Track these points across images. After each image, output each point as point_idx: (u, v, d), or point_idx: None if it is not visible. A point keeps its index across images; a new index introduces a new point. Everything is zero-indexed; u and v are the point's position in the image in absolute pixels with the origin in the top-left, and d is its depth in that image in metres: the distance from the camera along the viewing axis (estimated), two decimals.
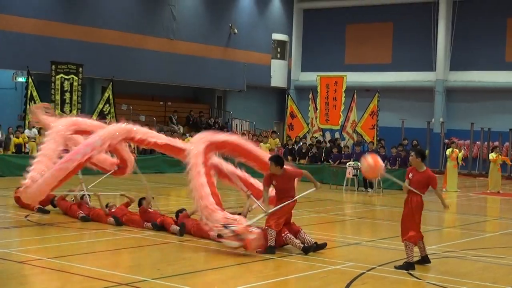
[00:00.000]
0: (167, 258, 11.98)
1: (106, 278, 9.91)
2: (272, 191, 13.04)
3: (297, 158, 30.23)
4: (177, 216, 14.78)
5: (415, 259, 11.33)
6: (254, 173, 14.75)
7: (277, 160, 12.77)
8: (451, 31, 38.87)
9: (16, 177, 22.69)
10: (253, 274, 10.77)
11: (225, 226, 11.75)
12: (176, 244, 13.13)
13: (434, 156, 35.29)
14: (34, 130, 27.64)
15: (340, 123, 31.37)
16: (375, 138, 29.82)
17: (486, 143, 36.10)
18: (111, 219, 14.99)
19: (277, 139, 32.72)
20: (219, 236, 11.94)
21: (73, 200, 16.36)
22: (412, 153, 12.06)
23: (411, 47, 39.89)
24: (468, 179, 32.99)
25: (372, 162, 11.43)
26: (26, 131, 27.62)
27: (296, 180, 12.83)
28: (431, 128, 37.44)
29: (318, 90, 31.88)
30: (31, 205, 16.11)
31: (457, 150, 28.02)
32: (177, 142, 15.69)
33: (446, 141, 34.04)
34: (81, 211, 15.60)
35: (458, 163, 27.80)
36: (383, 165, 11.82)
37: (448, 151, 28.03)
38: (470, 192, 27.46)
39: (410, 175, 11.52)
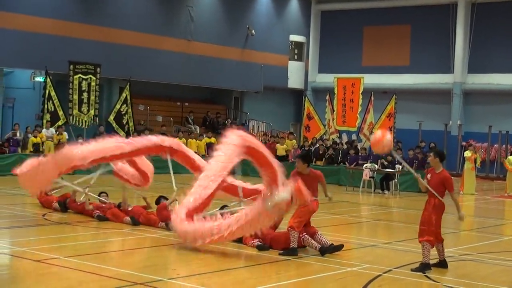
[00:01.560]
0: (183, 258, 11.97)
1: (122, 277, 9.92)
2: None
3: (314, 159, 30.15)
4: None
5: (433, 261, 11.26)
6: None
7: (304, 157, 12.74)
8: (469, 33, 38.71)
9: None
10: (269, 275, 10.74)
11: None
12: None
13: (451, 158, 35.11)
14: (52, 130, 27.79)
15: (357, 124, 31.32)
16: (393, 140, 29.67)
17: (504, 146, 35.88)
18: (128, 219, 15.01)
19: (294, 141, 32.69)
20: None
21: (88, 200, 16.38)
22: (431, 154, 11.97)
23: (429, 50, 39.76)
24: (486, 182, 32.80)
25: (380, 135, 11.38)
26: (44, 130, 27.75)
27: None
28: (449, 131, 37.27)
29: (335, 92, 31.86)
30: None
31: (474, 153, 27.90)
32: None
33: (464, 143, 33.90)
34: (97, 211, 15.63)
35: (475, 166, 27.66)
36: (390, 138, 11.56)
37: (465, 154, 27.91)
38: (488, 195, 27.29)
39: (429, 176, 11.46)
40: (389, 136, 11.47)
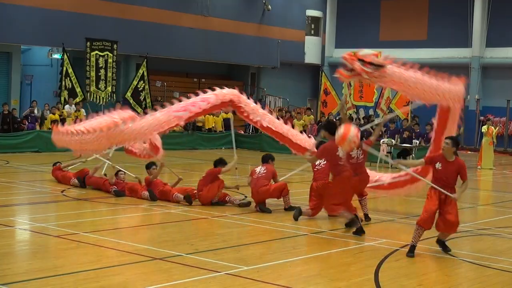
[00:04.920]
0: (200, 233, 12.04)
1: (140, 252, 10.00)
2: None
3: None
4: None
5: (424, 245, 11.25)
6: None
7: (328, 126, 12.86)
8: (488, 6, 38.35)
9: (52, 153, 23.08)
10: (286, 250, 10.77)
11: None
12: (210, 219, 13.20)
13: (470, 133, 35.03)
14: (73, 107, 27.88)
15: (374, 100, 31.25)
16: (409, 115, 29.62)
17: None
18: (146, 193, 15.07)
19: (311, 116, 32.66)
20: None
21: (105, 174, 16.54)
22: (448, 141, 10.72)
23: (447, 24, 39.44)
24: (504, 157, 32.64)
25: (342, 132, 11.43)
26: (66, 106, 27.84)
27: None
28: (467, 105, 36.97)
29: None
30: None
31: (492, 127, 27.75)
32: (286, 129, 15.94)
33: (482, 118, 33.74)
34: (114, 186, 15.72)
35: (493, 141, 27.53)
36: (355, 134, 11.46)
37: (483, 128, 27.79)
38: (506, 170, 27.19)
39: (439, 165, 10.61)
40: (353, 132, 11.41)
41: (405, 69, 12.14)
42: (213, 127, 31.63)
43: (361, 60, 11.07)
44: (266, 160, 14.87)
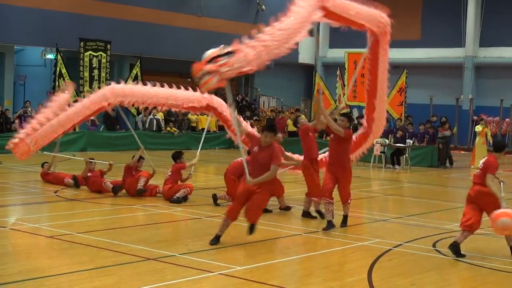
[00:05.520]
0: (194, 233, 12.05)
1: (134, 253, 10.00)
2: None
3: (324, 134, 30.13)
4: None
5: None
6: None
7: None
8: (481, 6, 38.48)
9: (44, 154, 23.02)
10: (279, 250, 10.82)
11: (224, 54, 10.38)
12: (203, 219, 13.23)
13: (462, 133, 35.11)
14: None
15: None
16: (403, 115, 29.70)
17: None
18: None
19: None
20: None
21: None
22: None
23: (441, 23, 39.54)
24: None
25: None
26: None
27: None
28: (460, 105, 37.18)
29: (346, 67, 31.78)
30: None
31: (486, 128, 27.84)
32: None
33: (475, 118, 33.81)
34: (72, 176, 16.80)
35: (487, 140, 27.60)
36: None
37: (477, 128, 27.86)
38: (499, 169, 27.17)
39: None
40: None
41: (267, 34, 11.64)
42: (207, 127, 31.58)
43: (209, 61, 10.38)
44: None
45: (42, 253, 10.04)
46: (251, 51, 10.57)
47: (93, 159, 17.27)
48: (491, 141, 28.42)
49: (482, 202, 10.86)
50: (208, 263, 9.59)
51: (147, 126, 29.96)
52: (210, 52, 10.28)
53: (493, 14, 38.08)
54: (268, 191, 10.97)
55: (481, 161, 11.52)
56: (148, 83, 16.66)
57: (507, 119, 36.36)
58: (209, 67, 10.13)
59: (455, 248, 10.61)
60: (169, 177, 15.54)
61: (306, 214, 13.57)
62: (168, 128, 30.56)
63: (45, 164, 17.92)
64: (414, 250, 11.02)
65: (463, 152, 33.76)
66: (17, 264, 9.40)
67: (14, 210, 14.14)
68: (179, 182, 15.54)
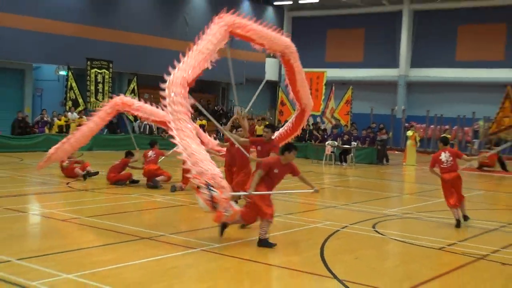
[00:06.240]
0: (181, 217, 12.06)
1: (132, 233, 9.99)
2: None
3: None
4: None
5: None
6: None
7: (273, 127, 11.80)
8: (412, 35, 38.89)
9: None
10: (251, 231, 10.72)
11: (208, 186, 9.01)
12: (189, 206, 13.21)
13: (397, 136, 35.43)
14: (75, 114, 27.69)
15: (321, 110, 31.40)
16: (349, 122, 29.89)
17: (438, 126, 36.23)
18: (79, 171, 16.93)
19: (267, 123, 32.67)
20: (198, 188, 9.12)
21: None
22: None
23: (379, 49, 39.91)
24: (424, 156, 33.05)
25: None
26: (69, 113, 27.65)
27: None
28: (395, 115, 37.52)
29: None
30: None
31: (415, 133, 28.13)
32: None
33: (406, 125, 34.13)
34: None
35: (416, 143, 27.89)
36: None
37: (408, 133, 28.15)
38: (425, 166, 27.46)
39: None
40: None
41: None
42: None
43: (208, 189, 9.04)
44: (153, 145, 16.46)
45: (57, 233, 9.99)
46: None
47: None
48: (418, 143, 28.73)
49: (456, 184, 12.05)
50: (192, 241, 9.59)
51: (141, 130, 29.93)
52: (202, 204, 9.12)
53: (421, 42, 38.52)
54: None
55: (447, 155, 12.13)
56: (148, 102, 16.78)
57: (431, 126, 36.79)
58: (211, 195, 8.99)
59: (459, 222, 11.81)
60: (152, 159, 16.06)
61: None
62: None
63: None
64: (357, 231, 11.11)
65: (396, 152, 34.06)
66: (36, 243, 9.36)
67: (32, 198, 14.03)
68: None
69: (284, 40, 13.76)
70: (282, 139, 14.88)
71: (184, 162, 9.49)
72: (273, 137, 11.52)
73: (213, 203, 8.96)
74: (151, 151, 16.31)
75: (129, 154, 16.65)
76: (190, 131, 9.87)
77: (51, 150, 16.60)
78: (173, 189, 15.14)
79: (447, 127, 34.92)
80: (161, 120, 15.43)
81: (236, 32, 12.47)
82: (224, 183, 9.30)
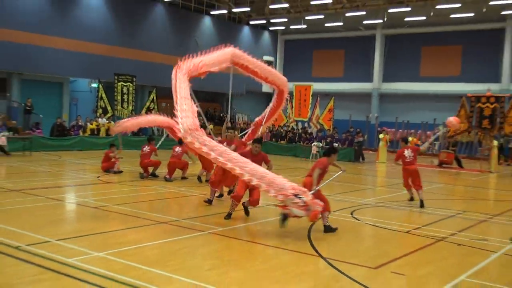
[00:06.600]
0: (192, 205, 12.02)
1: (151, 218, 9.97)
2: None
3: (279, 139, 30.28)
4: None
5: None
6: None
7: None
8: (383, 55, 38.88)
9: (91, 151, 22.89)
10: (251, 217, 10.73)
11: (297, 196, 8.78)
12: (198, 196, 13.18)
13: (371, 139, 35.42)
14: (104, 119, 27.63)
15: (308, 116, 31.39)
16: (331, 127, 29.89)
17: (406, 131, 36.17)
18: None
19: (265, 128, 32.65)
20: (284, 202, 8.88)
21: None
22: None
23: (356, 66, 39.91)
24: (393, 155, 32.96)
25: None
26: (100, 119, 27.60)
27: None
28: (369, 121, 37.49)
29: (294, 94, 31.87)
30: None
31: (386, 135, 28.14)
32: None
33: (379, 129, 34.13)
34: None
35: (387, 144, 27.88)
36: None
37: (380, 136, 28.15)
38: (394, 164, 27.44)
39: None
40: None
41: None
42: None
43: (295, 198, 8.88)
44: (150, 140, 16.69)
45: (89, 218, 9.97)
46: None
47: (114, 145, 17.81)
48: (389, 144, 28.71)
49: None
50: (201, 225, 9.58)
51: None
52: (295, 213, 8.89)
53: (391, 60, 38.52)
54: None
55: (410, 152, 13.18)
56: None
57: (400, 130, 36.78)
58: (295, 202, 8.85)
59: (412, 198, 13.22)
60: (147, 153, 16.22)
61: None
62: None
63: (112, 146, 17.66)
64: (338, 217, 11.09)
65: (371, 151, 34.02)
66: (71, 226, 9.33)
67: (68, 189, 13.99)
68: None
69: (284, 78, 13.96)
70: (270, 116, 14.82)
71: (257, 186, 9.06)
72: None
73: (307, 207, 8.78)
74: (146, 146, 16.26)
75: (112, 145, 17.34)
76: (241, 158, 9.33)
77: (125, 121, 16.29)
78: (141, 176, 15.79)
79: (412, 131, 34.85)
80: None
81: (239, 63, 12.34)
82: (301, 187, 9.13)
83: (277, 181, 8.90)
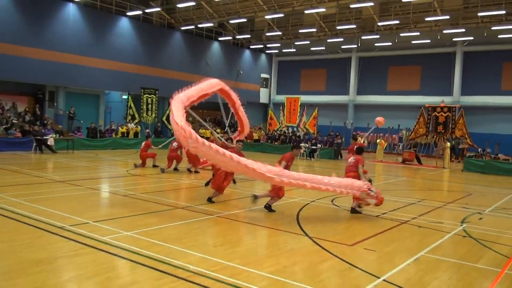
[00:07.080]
0: (202, 194, 11.92)
1: (168, 204, 9.92)
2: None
3: (273, 141, 30.21)
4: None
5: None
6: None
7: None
8: (358, 73, 38.81)
9: (122, 150, 22.81)
10: (246, 205, 10.64)
11: (370, 190, 9.38)
12: (208, 187, 13.06)
13: (347, 141, 35.34)
14: (132, 124, 27.57)
15: (296, 122, 31.35)
16: (315, 131, 29.84)
17: (375, 134, 36.12)
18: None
19: (262, 131, 32.69)
20: (358, 197, 9.47)
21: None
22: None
23: (336, 82, 39.82)
24: (389, 156, 33.03)
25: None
26: (129, 124, 27.54)
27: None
28: (346, 126, 37.45)
29: (285, 105, 31.83)
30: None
31: (382, 141, 28.09)
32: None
33: (354, 133, 34.03)
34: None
35: (383, 148, 27.74)
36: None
37: (355, 138, 28.02)
38: (368, 161, 27.37)
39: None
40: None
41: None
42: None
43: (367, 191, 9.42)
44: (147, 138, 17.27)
45: (119, 204, 9.91)
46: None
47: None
48: (386, 146, 28.57)
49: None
50: (210, 210, 9.53)
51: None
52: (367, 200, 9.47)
53: (364, 77, 38.43)
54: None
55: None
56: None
57: (371, 134, 36.72)
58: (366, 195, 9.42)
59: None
60: (143, 147, 16.88)
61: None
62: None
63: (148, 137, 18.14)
64: (321, 204, 11.04)
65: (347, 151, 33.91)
66: (106, 210, 9.27)
67: (103, 180, 13.92)
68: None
69: (247, 124, 14.30)
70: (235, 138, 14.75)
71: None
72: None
73: (377, 196, 9.42)
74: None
75: (147, 137, 18.00)
76: (313, 176, 9.09)
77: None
78: (136, 166, 16.11)
79: (381, 134, 34.80)
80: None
81: (224, 91, 13.81)
82: (368, 182, 9.66)
83: (343, 182, 9.24)
